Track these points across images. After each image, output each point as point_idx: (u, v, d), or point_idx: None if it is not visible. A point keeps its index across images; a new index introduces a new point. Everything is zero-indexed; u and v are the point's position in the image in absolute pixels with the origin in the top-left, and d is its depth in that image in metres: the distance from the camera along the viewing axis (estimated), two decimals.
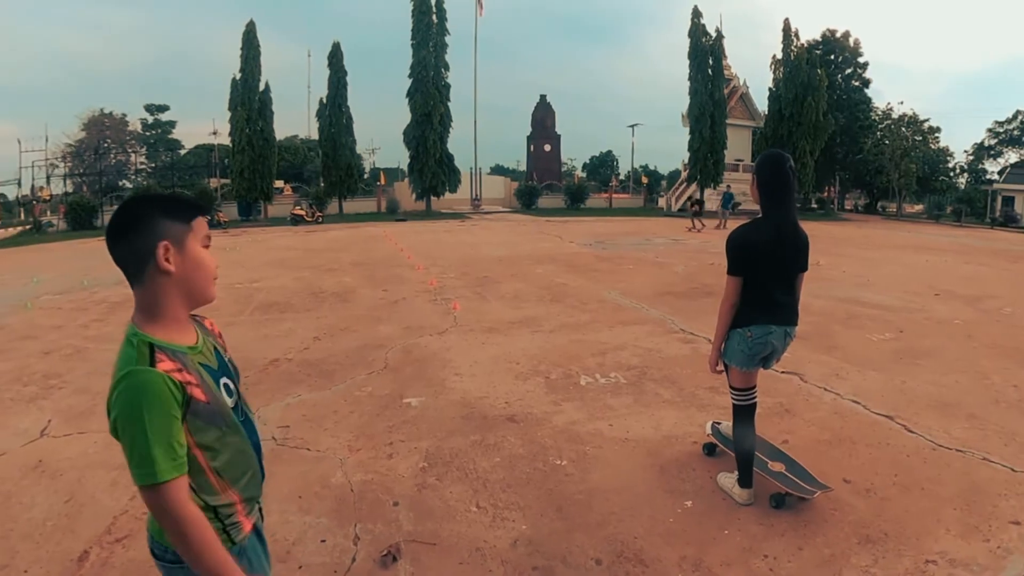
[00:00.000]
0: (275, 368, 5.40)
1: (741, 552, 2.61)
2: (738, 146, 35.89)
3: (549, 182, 44.05)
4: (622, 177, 57.56)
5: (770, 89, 34.57)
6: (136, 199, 1.29)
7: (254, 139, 28.72)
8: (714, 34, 32.05)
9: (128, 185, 40.88)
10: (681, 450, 3.62)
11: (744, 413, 2.96)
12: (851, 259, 13.15)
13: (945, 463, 3.38)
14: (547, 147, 52.73)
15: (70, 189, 40.29)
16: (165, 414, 1.17)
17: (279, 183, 43.30)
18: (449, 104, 31.77)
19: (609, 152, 72.03)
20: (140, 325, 1.25)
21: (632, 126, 40.67)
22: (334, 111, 30.63)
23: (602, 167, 69.86)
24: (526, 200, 37.16)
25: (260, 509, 1.50)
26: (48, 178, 38.91)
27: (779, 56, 33.86)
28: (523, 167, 59.77)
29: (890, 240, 19.62)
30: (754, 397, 2.99)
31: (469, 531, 2.82)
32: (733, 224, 19.46)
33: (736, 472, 3.03)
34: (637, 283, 9.45)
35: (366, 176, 48.48)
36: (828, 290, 8.90)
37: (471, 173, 37.98)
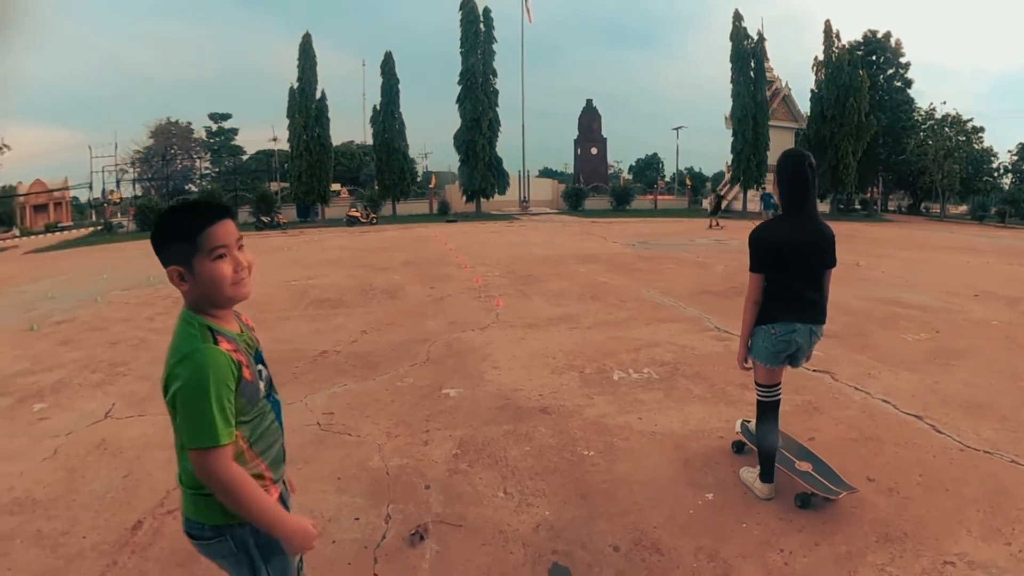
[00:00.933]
0: (324, 359, 5.65)
1: (758, 545, 2.60)
2: (781, 147, 34.65)
3: (595, 184, 43.82)
4: (667, 179, 56.61)
5: (812, 91, 33.62)
6: (152, 232, 1.37)
7: (311, 145, 29.84)
8: (755, 37, 31.28)
9: (194, 188, 42.71)
10: (707, 444, 3.62)
11: (768, 409, 2.95)
12: (891, 260, 12.64)
13: (972, 464, 3.25)
14: (594, 150, 52.45)
15: (139, 193, 42.57)
16: (226, 386, 1.30)
17: (336, 186, 44.68)
18: (497, 109, 32.19)
19: (655, 154, 71.18)
20: (191, 309, 1.39)
21: (677, 129, 40.01)
22: (387, 117, 31.46)
23: (648, 169, 68.91)
24: (573, 202, 37.11)
25: (284, 482, 1.65)
26: (118, 182, 41.14)
27: (821, 58, 32.78)
28: (571, 170, 59.58)
29: (931, 241, 18.74)
30: (778, 394, 2.97)
31: (495, 515, 2.91)
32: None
33: (758, 467, 3.01)
34: (677, 282, 9.35)
35: (419, 179, 49.37)
36: (867, 290, 8.60)
37: (519, 176, 38.23)
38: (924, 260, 13.06)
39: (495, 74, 31.66)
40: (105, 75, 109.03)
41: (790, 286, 2.77)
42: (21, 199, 47.67)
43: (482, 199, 33.43)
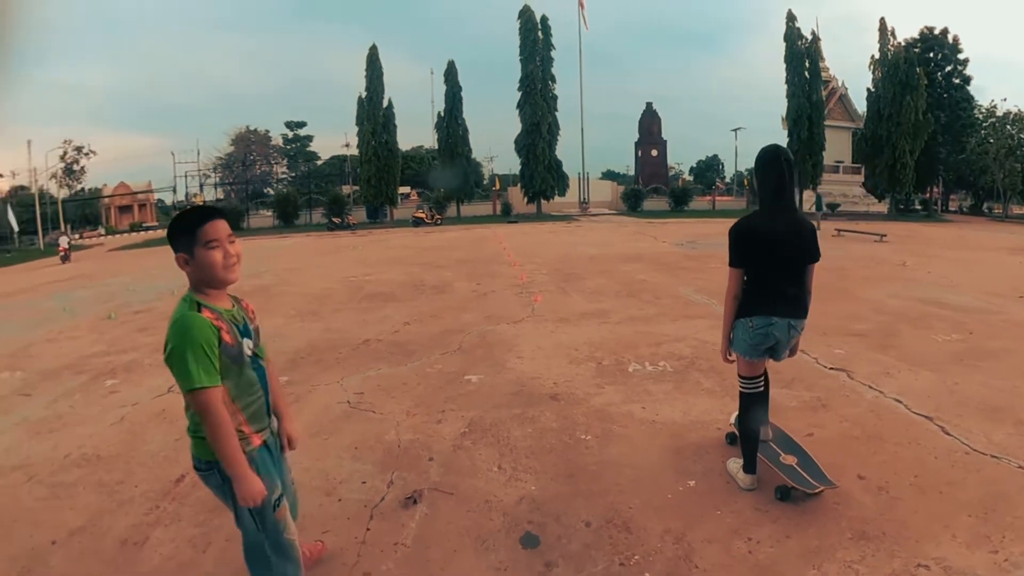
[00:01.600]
0: (366, 347, 5.99)
1: (726, 532, 2.58)
2: (838, 147, 33.22)
3: (654, 185, 42.98)
4: (727, 180, 54.59)
5: (868, 89, 31.62)
6: (167, 229, 1.78)
7: (379, 150, 31.02)
8: (809, 37, 29.85)
9: (271, 191, 44.93)
10: (703, 435, 3.62)
11: (750, 401, 2.93)
12: (940, 260, 11.77)
13: (975, 468, 3.06)
14: (654, 152, 51.51)
15: (220, 196, 45.20)
16: (206, 342, 1.63)
17: (406, 189, 46.08)
18: (557, 114, 32.22)
19: (715, 156, 68.72)
20: (191, 291, 1.76)
21: (735, 130, 38.48)
22: (451, 123, 32.21)
23: (709, 170, 66.75)
24: (632, 203, 36.58)
25: (274, 433, 1.95)
26: (201, 186, 44.01)
27: (877, 56, 30.78)
28: (632, 171, 58.60)
29: (985, 242, 17.18)
30: (760, 386, 2.94)
31: (485, 487, 3.07)
32: (828, 225, 18.06)
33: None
34: (716, 280, 9.10)
35: (485, 182, 50.06)
36: (908, 290, 8.13)
37: (579, 178, 38.08)
38: (974, 261, 12.21)
39: (553, 80, 31.73)
40: (188, 86, 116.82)
41: (767, 280, 2.73)
42: (106, 200, 51.67)
43: (542, 200, 33.57)
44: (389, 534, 2.67)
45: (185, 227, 1.72)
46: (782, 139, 31.26)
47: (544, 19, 31.04)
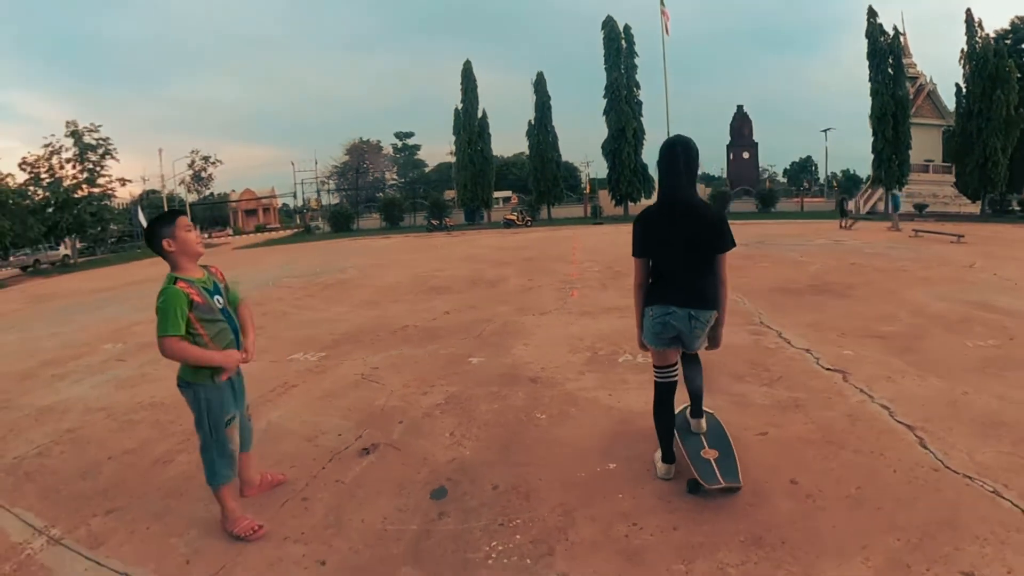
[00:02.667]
0: (402, 332, 6.36)
1: (616, 514, 2.49)
2: (927, 146, 28.94)
3: (741, 187, 40.19)
4: (821, 181, 49.57)
5: (957, 85, 27.07)
6: (150, 231, 2.32)
7: (474, 158, 31.91)
8: (892, 32, 26.28)
9: (382, 195, 46.38)
10: (651, 423, 3.47)
11: (660, 390, 2.77)
12: (1016, 263, 9.82)
13: (935, 488, 2.59)
14: (745, 154, 48.23)
15: (335, 200, 47.96)
16: (178, 306, 2.19)
17: (507, 193, 46.91)
18: (642, 119, 31.21)
19: (808, 157, 62.25)
20: (172, 271, 2.31)
21: (825, 131, 34.85)
22: (540, 130, 32.37)
23: (802, 172, 60.81)
24: (718, 205, 34.52)
25: (240, 374, 2.49)
26: (319, 192, 46.69)
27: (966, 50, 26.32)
28: (726, 174, 55.24)
29: None
30: (671, 376, 2.77)
31: (429, 447, 3.26)
32: (907, 226, 15.87)
33: None
34: (758, 279, 8.48)
35: (582, 186, 49.60)
36: (961, 292, 6.97)
37: None
38: None
39: (638, 86, 30.81)
40: (310, 101, 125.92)
41: (665, 269, 2.59)
42: (234, 204, 56.95)
43: (629, 203, 32.80)
44: (337, 474, 2.96)
45: (168, 221, 2.33)
46: (869, 139, 27.97)
47: (627, 28, 30.24)
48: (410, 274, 11.36)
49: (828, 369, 4.24)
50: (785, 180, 61.15)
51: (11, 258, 24.79)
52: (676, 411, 3.29)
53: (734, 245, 2.59)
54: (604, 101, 31.27)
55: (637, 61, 30.66)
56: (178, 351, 2.20)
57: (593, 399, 3.90)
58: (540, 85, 32.42)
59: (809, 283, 7.97)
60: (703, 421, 3.04)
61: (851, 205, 31.10)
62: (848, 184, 40.02)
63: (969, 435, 3.08)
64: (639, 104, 31.04)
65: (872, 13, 26.79)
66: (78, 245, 27.39)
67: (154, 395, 4.48)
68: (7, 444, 3.68)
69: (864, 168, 28.36)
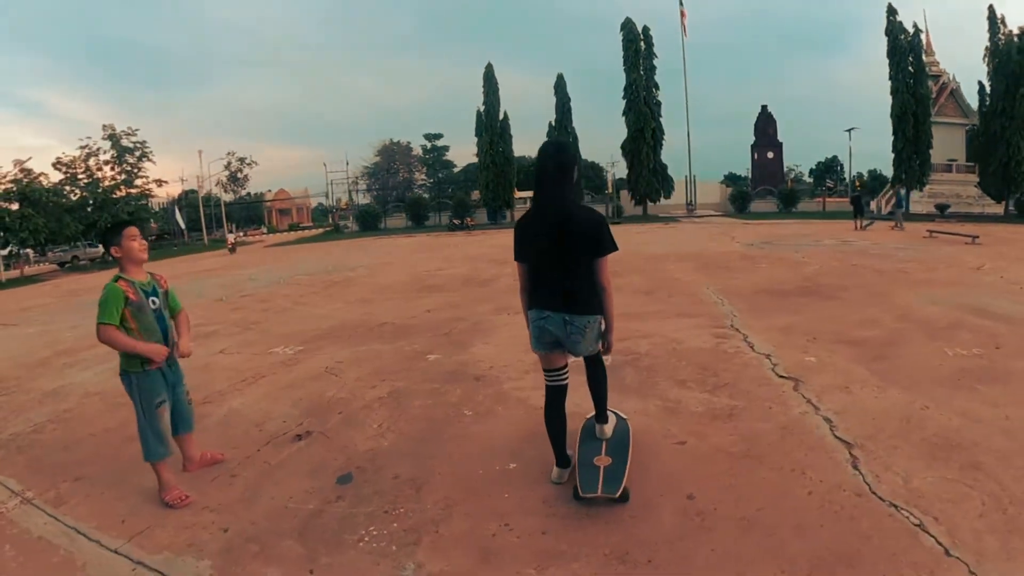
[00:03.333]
0: (380, 328, 6.25)
1: (492, 513, 2.38)
2: (950, 145, 27.15)
3: (763, 187, 38.72)
4: (845, 180, 47.21)
5: (980, 83, 25.23)
6: (103, 233, 2.88)
7: (496, 159, 31.70)
8: (912, 30, 24.69)
9: (411, 194, 46.03)
10: (572, 425, 3.22)
11: (549, 394, 2.60)
12: None
13: (850, 516, 2.25)
14: (770, 154, 46.41)
15: (366, 200, 47.97)
16: (115, 300, 2.46)
17: (531, 193, 46.53)
18: (661, 119, 30.41)
19: (835, 157, 59.14)
20: (118, 272, 2.58)
21: (849, 130, 33.08)
22: (561, 132, 31.93)
23: (828, 171, 58.03)
24: (739, 205, 33.50)
25: (169, 363, 2.69)
26: (350, 193, 46.46)
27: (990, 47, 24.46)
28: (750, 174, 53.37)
29: None
30: (558, 380, 2.58)
31: (354, 437, 3.27)
32: (923, 227, 14.85)
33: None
34: (748, 280, 8.02)
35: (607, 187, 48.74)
36: (958, 296, 6.36)
37: (686, 180, 35.75)
38: None
39: (657, 87, 29.97)
40: (344, 104, 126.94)
41: (538, 273, 2.45)
42: (268, 204, 57.93)
43: (649, 203, 32.07)
44: (268, 456, 3.08)
45: (117, 231, 2.60)
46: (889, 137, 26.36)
47: (646, 29, 29.42)
48: (412, 273, 11.29)
49: (781, 376, 3.89)
50: (811, 180, 58.72)
51: (49, 254, 25.96)
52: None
53: (614, 249, 2.41)
54: (624, 102, 30.58)
55: (658, 62, 29.92)
56: (110, 337, 2.45)
57: (523, 399, 3.69)
58: (560, 87, 31.99)
59: (799, 284, 7.48)
60: (607, 427, 2.83)
61: (873, 205, 29.71)
62: (874, 184, 38.10)
63: (914, 456, 2.70)
64: (658, 104, 30.23)
65: (892, 11, 25.23)
66: None
67: None
68: (8, 422, 3.93)
69: (890, 168, 26.79)
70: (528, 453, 2.89)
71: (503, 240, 20.25)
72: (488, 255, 14.17)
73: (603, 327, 2.50)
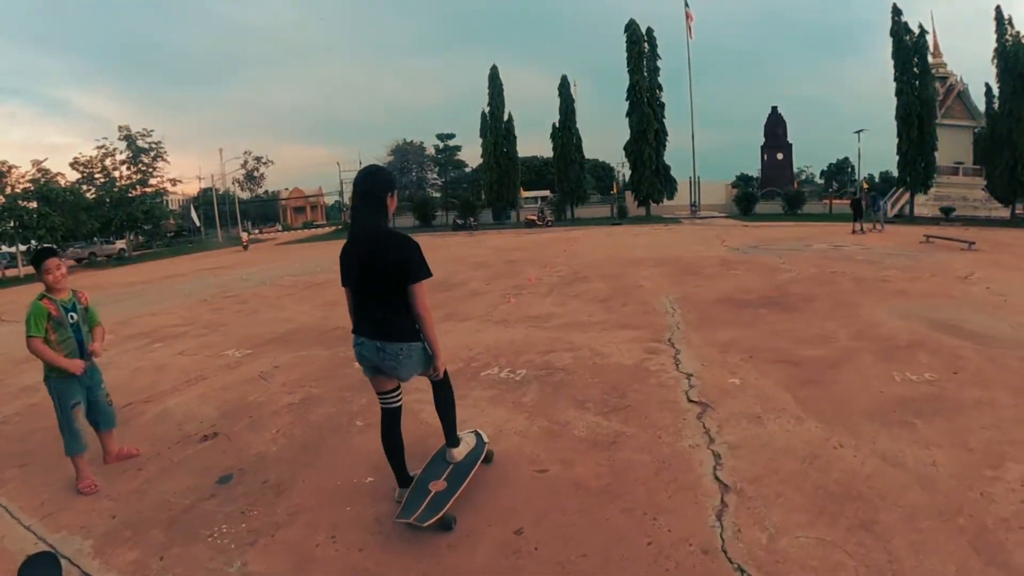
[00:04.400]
0: (331, 333, 6.07)
1: (327, 524, 2.43)
2: (957, 147, 25.97)
3: (769, 189, 37.63)
4: (855, 181, 45.62)
5: (987, 85, 23.95)
6: (32, 261, 2.90)
7: (500, 159, 31.31)
8: (917, 31, 23.56)
9: (420, 194, 45.14)
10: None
11: (382, 416, 2.47)
12: (1022, 273, 8.30)
13: (682, 570, 1.94)
14: (779, 155, 45.12)
15: None
16: (39, 316, 2.75)
17: (545, 192, 45.78)
18: (664, 120, 29.68)
19: (846, 158, 57.08)
20: (44, 291, 2.86)
21: (858, 132, 31.79)
22: (564, 133, 31.43)
23: (840, 173, 56.19)
24: (744, 206, 32.54)
25: (85, 370, 2.89)
26: None
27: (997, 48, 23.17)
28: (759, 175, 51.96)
29: None
30: (390, 403, 2.45)
31: (253, 440, 3.35)
32: (919, 231, 14.10)
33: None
34: (714, 288, 7.54)
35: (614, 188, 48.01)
36: (934, 309, 5.81)
37: (691, 181, 34.92)
38: None
39: (661, 88, 29.22)
40: (358, 103, 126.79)
41: (356, 300, 2.37)
42: (283, 202, 58.02)
43: (652, 203, 31.39)
44: (174, 453, 3.25)
45: (35, 261, 2.90)
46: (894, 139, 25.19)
47: (650, 31, 28.66)
48: None
49: (691, 401, 3.51)
50: (822, 181, 57.00)
51: (69, 250, 26.41)
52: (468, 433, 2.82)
53: (427, 276, 2.28)
54: (627, 103, 29.90)
55: (667, 63, 29.31)
56: (37, 349, 2.75)
57: (416, 412, 3.46)
58: (564, 88, 31.43)
59: (764, 294, 6.99)
60: (456, 451, 2.63)
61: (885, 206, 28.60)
62: (884, 186, 36.66)
63: (796, 508, 2.32)
64: (662, 106, 29.49)
65: (896, 11, 24.09)
66: (134, 240, 28.86)
67: (114, 379, 4.66)
68: None
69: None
70: (389, 469, 2.63)
71: (499, 241, 19.97)
72: (474, 257, 13.86)
73: (429, 351, 2.36)
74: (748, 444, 2.89)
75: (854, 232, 16.68)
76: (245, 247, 26.61)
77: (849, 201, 21.64)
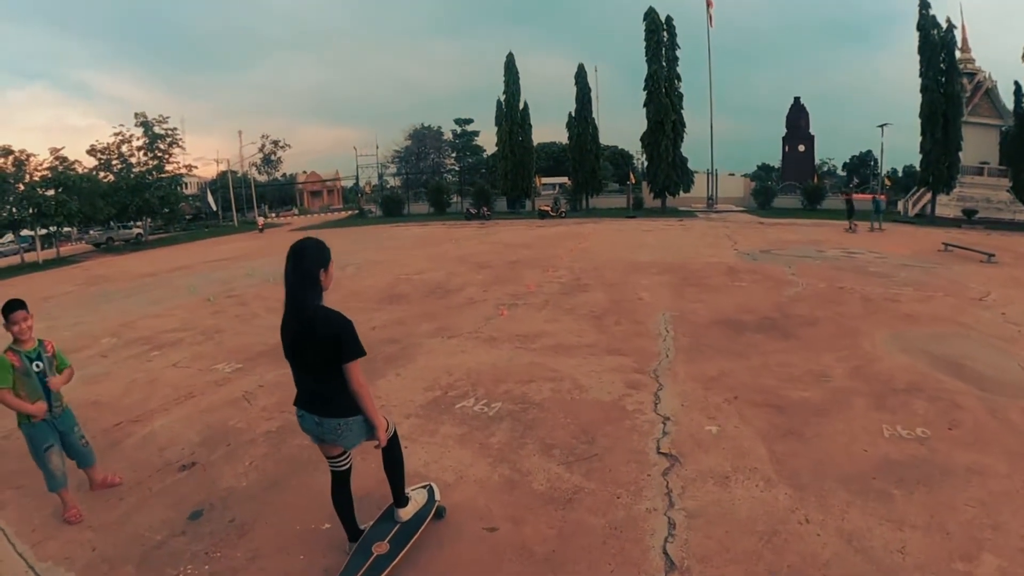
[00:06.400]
0: None
1: (280, 572, 2.49)
2: (983, 147, 24.62)
3: (788, 183, 36.48)
4: (880, 176, 43.95)
5: (1016, 83, 22.46)
6: (2, 309, 2.96)
7: (515, 148, 30.82)
8: (945, 25, 22.17)
9: (436, 180, 44.05)
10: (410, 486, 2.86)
11: (332, 478, 2.50)
12: None
13: None
14: (801, 147, 43.60)
15: (398, 184, 46.14)
16: (4, 369, 2.86)
17: (563, 179, 45.10)
18: (683, 111, 28.82)
19: (868, 152, 54.60)
20: (11, 343, 2.95)
21: (881, 126, 30.46)
22: (580, 122, 30.78)
23: (862, 166, 53.98)
24: (762, 200, 31.67)
25: (55, 417, 3.06)
26: (380, 176, 44.94)
27: None
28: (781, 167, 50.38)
29: None
30: (339, 466, 2.47)
31: (226, 472, 3.43)
32: (938, 238, 13.58)
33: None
34: (715, 305, 7.29)
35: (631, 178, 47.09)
36: (941, 341, 5.49)
37: (708, 174, 34.06)
38: None
39: (679, 78, 28.20)
40: (377, 86, 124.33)
41: (294, 374, 2.37)
42: (300, 185, 57.92)
43: (668, 196, 30.72)
44: (154, 482, 3.36)
45: (4, 311, 2.96)
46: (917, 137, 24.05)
47: (669, 19, 27.55)
48: (391, 277, 10.84)
49: (660, 452, 3.38)
50: (844, 174, 55.05)
51: (90, 232, 26.95)
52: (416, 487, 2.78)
53: (360, 355, 2.22)
54: (644, 94, 29.07)
55: (684, 51, 28.12)
56: (4, 400, 2.88)
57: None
58: (581, 77, 30.66)
59: (765, 314, 6.74)
60: (404, 511, 2.63)
61: (900, 206, 27.49)
62: (908, 181, 35.23)
63: None
64: (680, 96, 28.52)
65: (924, 4, 22.67)
66: (150, 224, 29.31)
67: (99, 395, 4.92)
68: None
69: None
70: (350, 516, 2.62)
71: (507, 235, 19.68)
72: (478, 256, 13.67)
73: (370, 424, 2.32)
74: (707, 512, 2.78)
75: (847, 231, 16.96)
76: (261, 230, 27.00)
77: (844, 199, 21.23)
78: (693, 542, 2.53)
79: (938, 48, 22.70)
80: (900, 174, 42.64)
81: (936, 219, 22.84)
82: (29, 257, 20.54)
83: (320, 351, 2.20)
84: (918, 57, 23.05)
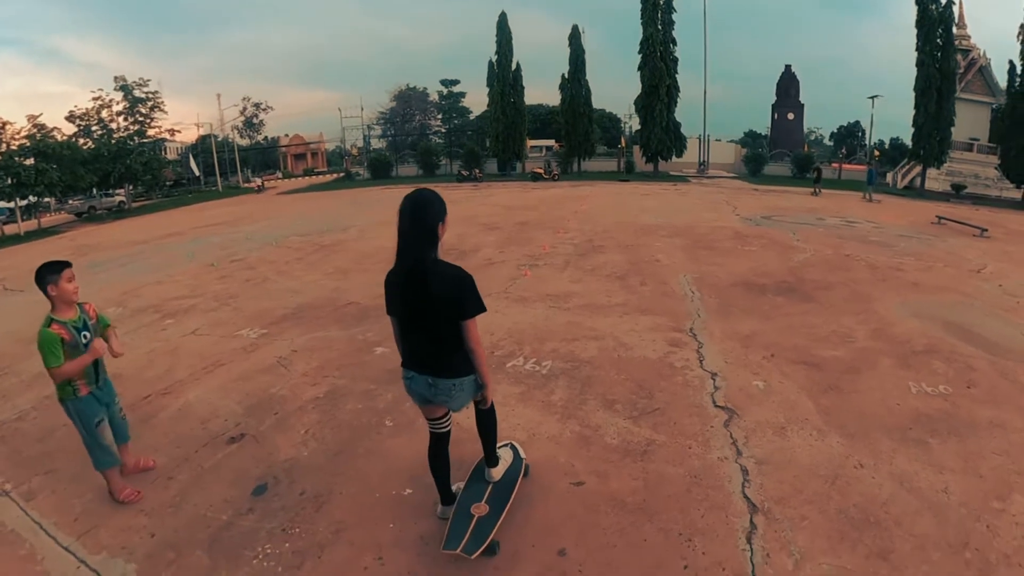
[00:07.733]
0: (344, 309, 6.07)
1: (372, 544, 2.42)
2: (975, 124, 25.34)
3: (779, 151, 36.67)
4: (867, 147, 44.46)
5: (1010, 62, 22.81)
6: (39, 273, 2.60)
7: (507, 110, 30.25)
8: (944, 0, 22.20)
9: (423, 142, 42.96)
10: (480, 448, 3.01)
11: (431, 439, 2.46)
12: None
13: None
14: (790, 115, 43.65)
15: (381, 146, 45.29)
16: (53, 344, 2.52)
17: (551, 142, 44.44)
18: (677, 76, 28.47)
19: (857, 122, 54.79)
20: (51, 312, 2.62)
21: (872, 98, 30.59)
22: (574, 84, 30.28)
23: (850, 137, 54.30)
24: (752, 167, 31.92)
25: (100, 386, 2.79)
26: (366, 138, 43.77)
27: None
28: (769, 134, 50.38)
29: None
30: (440, 428, 2.42)
31: (281, 442, 3.30)
32: (932, 211, 14.24)
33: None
34: (731, 268, 7.53)
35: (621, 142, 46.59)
36: (947, 308, 5.80)
37: (700, 139, 34.02)
38: None
39: (675, 42, 27.74)
40: (360, 46, 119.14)
41: (405, 333, 2.28)
42: (283, 148, 56.25)
43: (660, 160, 30.71)
44: (203, 458, 3.15)
45: (56, 269, 2.61)
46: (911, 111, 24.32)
47: None
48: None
49: (717, 406, 3.59)
50: (831, 144, 55.48)
51: (70, 202, 25.76)
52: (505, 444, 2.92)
53: (480, 311, 2.16)
54: (640, 57, 28.54)
55: (681, 16, 27.71)
56: (64, 374, 2.58)
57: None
58: (575, 39, 29.91)
59: (782, 278, 6.99)
60: (496, 470, 2.68)
61: (889, 178, 28.10)
62: (895, 154, 35.81)
63: (820, 533, 2.43)
64: (675, 61, 28.12)
65: None
66: (132, 191, 28.15)
67: (119, 367, 4.41)
68: None
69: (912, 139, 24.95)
70: (426, 479, 2.68)
71: (504, 198, 19.55)
72: (483, 217, 13.63)
73: (479, 382, 2.31)
74: (774, 459, 3.00)
75: (814, 194, 19.81)
76: (260, 189, 27.04)
77: (813, 168, 24.27)
78: (768, 486, 2.75)
79: (936, 23, 22.72)
80: (887, 146, 43.09)
81: (925, 192, 23.43)
82: (10, 229, 19.52)
83: (438, 307, 2.10)
84: (915, 31, 23.04)
